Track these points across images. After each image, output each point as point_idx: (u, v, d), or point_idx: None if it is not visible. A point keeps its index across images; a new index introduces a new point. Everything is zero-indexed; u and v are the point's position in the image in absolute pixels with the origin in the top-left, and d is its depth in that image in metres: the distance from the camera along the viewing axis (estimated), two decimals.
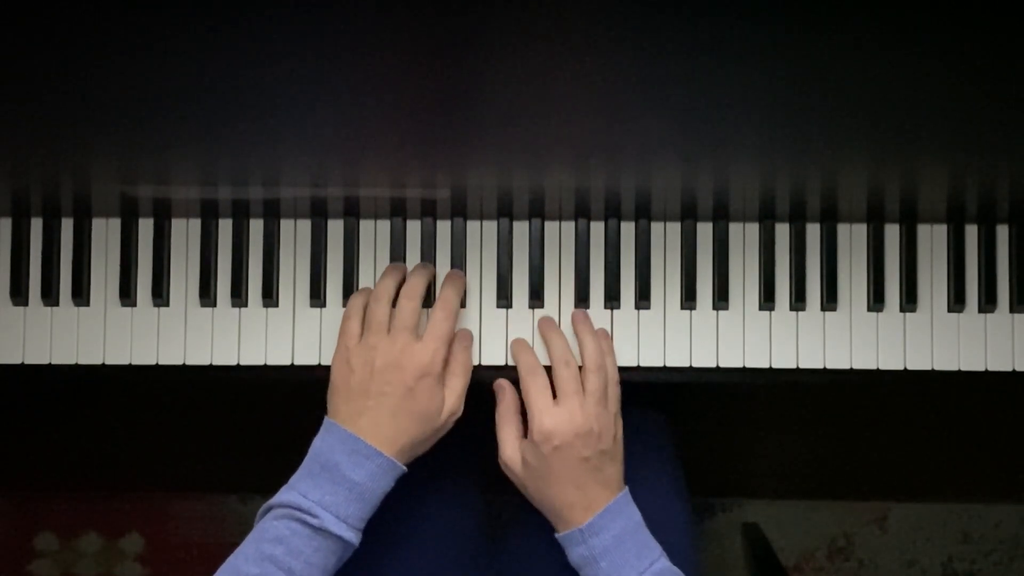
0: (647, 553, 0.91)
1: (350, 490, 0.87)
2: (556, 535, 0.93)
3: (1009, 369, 0.99)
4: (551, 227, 1.00)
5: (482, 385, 0.97)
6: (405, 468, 0.90)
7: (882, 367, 0.99)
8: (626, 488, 0.94)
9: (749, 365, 0.99)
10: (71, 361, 0.99)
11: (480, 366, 0.98)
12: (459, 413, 0.93)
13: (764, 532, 1.59)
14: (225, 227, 1.00)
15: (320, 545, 0.85)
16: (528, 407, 0.93)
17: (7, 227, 1.00)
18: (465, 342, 0.96)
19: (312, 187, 0.94)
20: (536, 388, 0.93)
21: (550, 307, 0.99)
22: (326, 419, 0.91)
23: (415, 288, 0.94)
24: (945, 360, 0.99)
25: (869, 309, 0.99)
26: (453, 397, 0.93)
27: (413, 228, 0.99)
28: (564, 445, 0.90)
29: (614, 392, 0.95)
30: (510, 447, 0.94)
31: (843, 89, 0.76)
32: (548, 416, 0.91)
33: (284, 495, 0.87)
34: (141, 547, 1.63)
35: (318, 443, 0.89)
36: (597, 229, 1.00)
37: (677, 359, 0.99)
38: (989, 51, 0.71)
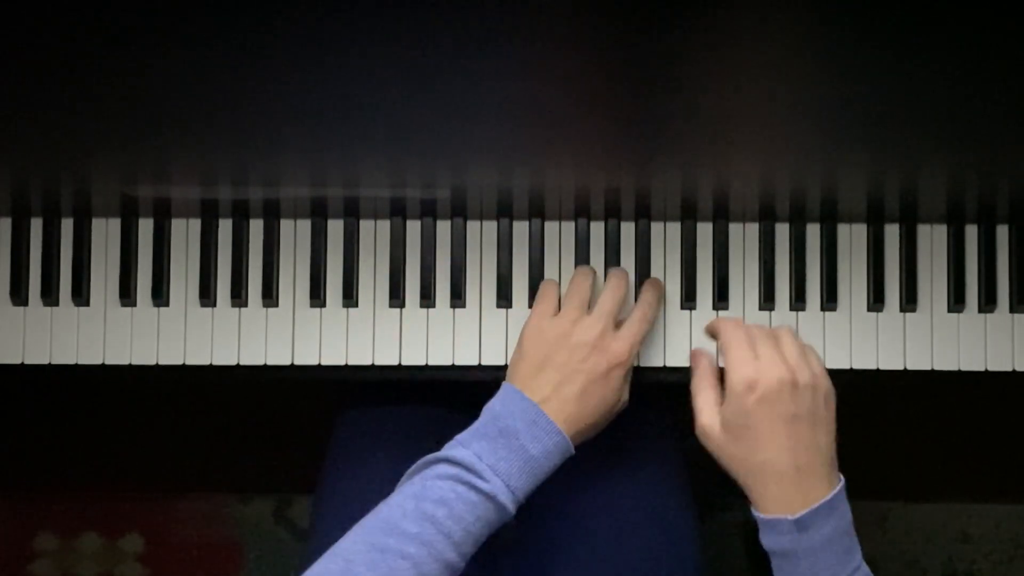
0: (849, 559, 0.82)
1: (525, 462, 0.82)
2: (756, 513, 0.85)
3: (1009, 369, 0.99)
4: (551, 227, 1.00)
5: (483, 385, 0.97)
6: (574, 451, 0.86)
7: (882, 367, 0.99)
8: (843, 480, 0.85)
9: None
10: (71, 361, 0.99)
11: (479, 366, 0.98)
12: (627, 404, 0.92)
13: None
14: (225, 227, 0.99)
15: (482, 514, 0.80)
16: (727, 359, 0.86)
17: (7, 227, 1.00)
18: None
19: (312, 187, 0.94)
20: (737, 339, 0.86)
21: None
22: (505, 383, 0.88)
23: (620, 285, 0.93)
24: (945, 360, 0.99)
25: (869, 309, 0.99)
26: (627, 389, 0.92)
27: (413, 228, 0.99)
28: (769, 395, 0.82)
29: (815, 355, 0.88)
30: (707, 414, 0.87)
31: (842, 89, 0.76)
32: (749, 364, 0.84)
33: (455, 451, 0.82)
34: (141, 547, 1.63)
35: (497, 406, 0.85)
36: (597, 229, 0.99)
37: (677, 359, 0.99)
38: (989, 51, 0.71)
